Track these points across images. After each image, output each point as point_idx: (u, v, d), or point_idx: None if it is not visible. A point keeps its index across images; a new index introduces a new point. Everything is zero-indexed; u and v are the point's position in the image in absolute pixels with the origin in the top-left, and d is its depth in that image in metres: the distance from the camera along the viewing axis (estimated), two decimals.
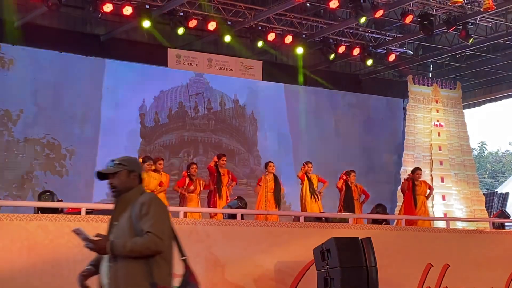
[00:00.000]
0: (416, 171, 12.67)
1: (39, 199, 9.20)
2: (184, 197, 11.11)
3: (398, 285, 9.16)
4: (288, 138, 16.56)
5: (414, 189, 12.43)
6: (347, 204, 12.20)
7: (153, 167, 10.80)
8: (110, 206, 9.51)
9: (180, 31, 14.10)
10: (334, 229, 9.09)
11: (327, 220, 10.12)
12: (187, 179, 11.23)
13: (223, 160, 11.39)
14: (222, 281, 8.24)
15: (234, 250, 8.40)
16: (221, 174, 11.34)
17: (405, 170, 15.86)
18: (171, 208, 10.01)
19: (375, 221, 10.43)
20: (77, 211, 8.02)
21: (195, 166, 11.29)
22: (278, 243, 8.72)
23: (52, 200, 9.03)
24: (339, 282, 7.70)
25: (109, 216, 4.23)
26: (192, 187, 11.08)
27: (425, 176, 16.56)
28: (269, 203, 11.65)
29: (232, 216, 9.07)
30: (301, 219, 9.67)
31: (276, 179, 11.83)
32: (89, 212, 8.14)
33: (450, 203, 16.68)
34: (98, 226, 7.57)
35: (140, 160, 10.69)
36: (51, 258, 7.31)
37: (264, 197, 11.67)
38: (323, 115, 17.14)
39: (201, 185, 11.28)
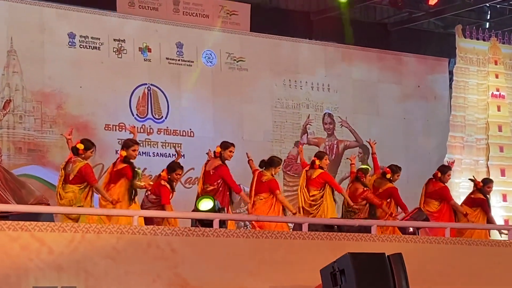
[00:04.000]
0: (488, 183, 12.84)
1: None
2: None
3: None
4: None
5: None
6: None
7: None
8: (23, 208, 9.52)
9: None
10: (350, 241, 9.13)
11: (340, 229, 10.14)
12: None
13: (178, 174, 11.90)
14: None
15: (210, 270, 8.42)
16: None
17: (451, 159, 15.89)
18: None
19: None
20: None
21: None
22: (272, 262, 8.75)
23: None
24: None
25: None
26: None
27: (480, 166, 16.65)
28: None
29: (208, 225, 9.05)
30: (304, 227, 9.68)
31: None
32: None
33: None
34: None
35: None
36: None
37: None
38: (333, 82, 17.11)
39: None
